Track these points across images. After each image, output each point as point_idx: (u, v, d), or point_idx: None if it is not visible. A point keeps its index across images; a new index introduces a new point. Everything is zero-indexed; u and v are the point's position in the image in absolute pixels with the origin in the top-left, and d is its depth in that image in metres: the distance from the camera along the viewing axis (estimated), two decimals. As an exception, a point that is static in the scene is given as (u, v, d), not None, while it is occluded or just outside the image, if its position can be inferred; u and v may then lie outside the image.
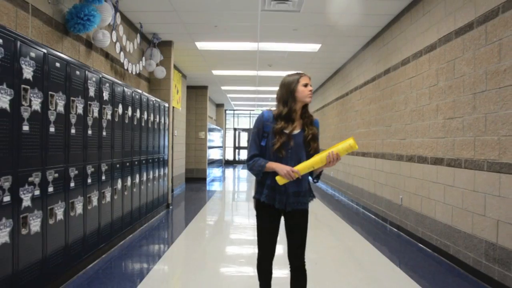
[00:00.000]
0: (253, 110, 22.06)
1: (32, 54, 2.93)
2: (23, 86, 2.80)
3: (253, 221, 7.29)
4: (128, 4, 5.54)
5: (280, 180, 2.30)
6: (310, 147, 2.40)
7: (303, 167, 2.28)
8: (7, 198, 2.61)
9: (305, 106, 2.46)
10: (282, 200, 2.38)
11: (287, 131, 2.37)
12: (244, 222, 6.74)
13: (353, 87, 8.41)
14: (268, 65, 9.58)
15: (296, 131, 2.41)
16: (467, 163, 3.88)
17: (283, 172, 2.28)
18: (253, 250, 4.70)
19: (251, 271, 3.92)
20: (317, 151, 2.40)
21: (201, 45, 7.73)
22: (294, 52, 8.18)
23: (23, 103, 2.80)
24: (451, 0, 4.23)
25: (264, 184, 2.39)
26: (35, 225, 2.94)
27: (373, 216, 6.88)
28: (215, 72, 10.68)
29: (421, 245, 4.93)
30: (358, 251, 4.89)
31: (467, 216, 3.89)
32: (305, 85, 2.39)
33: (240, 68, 10.17)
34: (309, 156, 2.38)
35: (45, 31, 3.78)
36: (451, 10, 4.23)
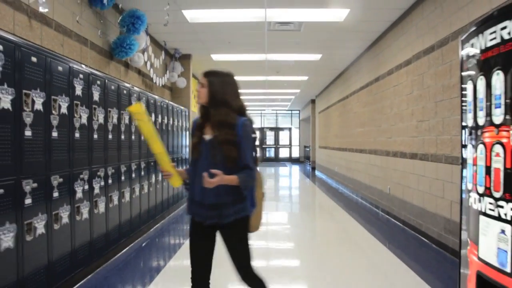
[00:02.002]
0: (264, 110, 23.08)
1: (81, 76, 4.01)
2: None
3: (263, 220, 8.37)
4: (156, 28, 6.61)
5: (172, 182, 2.22)
6: (222, 151, 2.12)
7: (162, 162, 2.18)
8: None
9: (212, 108, 2.17)
10: (200, 212, 2.16)
11: (204, 136, 2.21)
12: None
13: (351, 91, 9.39)
14: (276, 72, 10.60)
15: (209, 136, 2.18)
16: (432, 157, 4.86)
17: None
18: (269, 241, 5.75)
19: (268, 263, 4.93)
20: (231, 156, 2.11)
21: (216, 57, 8.79)
22: (299, 61, 9.20)
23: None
24: (420, 25, 5.20)
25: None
26: (85, 213, 3.64)
27: (368, 205, 7.86)
28: (228, 78, 11.72)
29: (403, 226, 5.91)
30: (351, 231, 5.90)
31: (433, 199, 4.87)
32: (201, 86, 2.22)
33: (251, 75, 11.20)
34: (223, 162, 2.11)
35: (98, 59, 4.87)
36: (420, 33, 5.21)
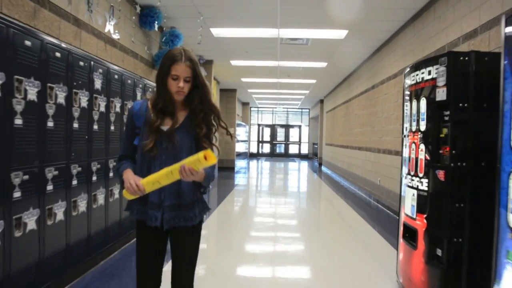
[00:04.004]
0: (275, 108, 24.27)
1: (129, 82, 5.29)
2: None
3: (274, 203, 9.75)
4: (188, 40, 7.87)
5: (127, 195, 1.83)
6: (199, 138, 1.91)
7: (147, 181, 1.78)
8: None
9: (188, 98, 1.92)
10: (156, 215, 1.88)
11: (162, 127, 1.89)
12: (265, 201, 9.07)
13: (354, 95, 10.57)
14: (287, 75, 11.81)
15: (175, 125, 1.90)
16: (409, 154, 6.05)
17: (126, 185, 1.79)
18: (278, 221, 7.03)
19: (272, 250, 6.19)
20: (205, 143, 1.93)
21: (234, 62, 10.04)
22: (307, 67, 10.40)
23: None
24: (404, 46, 6.38)
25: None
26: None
27: (363, 195, 9.07)
28: (244, 79, 12.99)
29: (387, 211, 7.11)
30: (345, 215, 7.14)
31: (409, 188, 6.07)
32: (175, 79, 1.84)
33: (264, 77, 12.43)
34: (189, 153, 1.85)
35: (144, 69, 6.15)
36: (404, 53, 6.38)
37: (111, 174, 4.11)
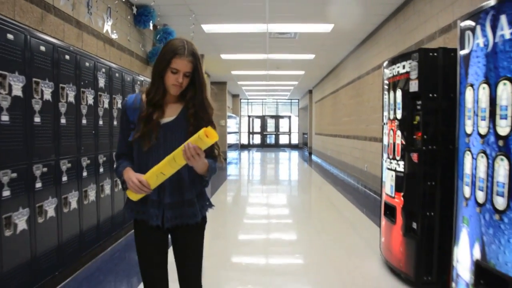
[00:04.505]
0: (265, 99, 24.57)
1: (128, 79, 5.58)
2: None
3: (266, 191, 10.13)
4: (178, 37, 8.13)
5: (131, 195, 1.74)
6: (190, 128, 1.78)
7: (150, 175, 1.68)
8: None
9: (183, 94, 1.83)
10: (157, 214, 1.79)
11: (160, 120, 1.81)
12: (258, 189, 9.44)
13: (341, 86, 10.94)
14: (276, 67, 12.11)
15: (170, 118, 1.82)
16: (393, 140, 6.44)
17: (129, 184, 1.71)
18: (265, 216, 7.41)
19: (267, 232, 6.57)
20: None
21: (225, 56, 10.31)
22: (296, 59, 10.72)
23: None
24: (387, 38, 6.73)
25: None
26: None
27: (352, 181, 9.48)
28: (234, 72, 13.26)
29: (374, 195, 7.51)
30: (334, 199, 7.53)
31: (393, 173, 6.47)
32: (175, 72, 1.75)
33: (254, 69, 12.72)
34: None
35: (139, 65, 6.42)
36: (387, 45, 6.74)
37: (115, 166, 4.35)
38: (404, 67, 3.25)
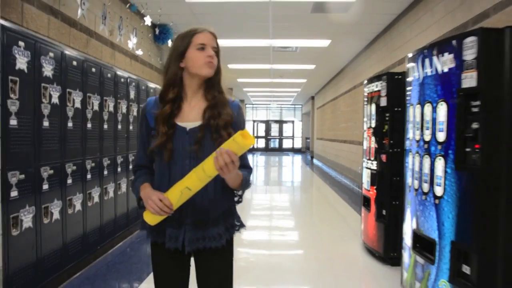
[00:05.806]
0: (269, 104, 25.42)
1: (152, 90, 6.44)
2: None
3: (269, 191, 10.98)
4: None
5: (149, 217, 1.47)
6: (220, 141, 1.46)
7: (174, 192, 1.43)
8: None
9: (210, 80, 1.61)
10: (176, 235, 1.50)
11: (181, 124, 1.54)
12: (262, 189, 10.28)
13: (340, 94, 11.77)
14: (280, 76, 12.97)
15: (194, 123, 1.53)
16: (381, 145, 7.26)
17: (147, 203, 1.44)
18: (268, 210, 8.24)
19: (269, 224, 7.40)
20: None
21: (231, 66, 11.18)
22: (298, 69, 11.57)
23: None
24: (378, 53, 7.56)
25: None
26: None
27: (348, 182, 10.28)
28: (240, 80, 14.13)
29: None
30: (330, 198, 8.35)
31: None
32: (202, 48, 1.55)
33: (259, 77, 13.58)
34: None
35: (157, 77, 7.28)
36: (377, 60, 7.57)
37: (119, 169, 4.61)
38: (377, 86, 4.07)
